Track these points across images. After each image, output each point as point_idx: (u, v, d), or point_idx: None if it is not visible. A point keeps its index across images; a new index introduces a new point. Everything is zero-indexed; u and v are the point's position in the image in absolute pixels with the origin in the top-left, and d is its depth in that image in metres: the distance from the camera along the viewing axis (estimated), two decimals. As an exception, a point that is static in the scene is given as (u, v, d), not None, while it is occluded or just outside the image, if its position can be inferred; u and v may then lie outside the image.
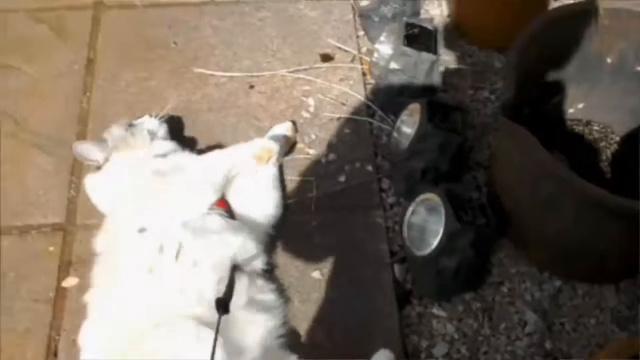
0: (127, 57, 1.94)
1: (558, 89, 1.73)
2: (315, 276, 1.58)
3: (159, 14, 2.05)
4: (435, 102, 1.69)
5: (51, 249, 1.60)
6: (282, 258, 1.60)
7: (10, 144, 1.77)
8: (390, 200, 1.72)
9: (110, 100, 1.86)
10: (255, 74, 1.94)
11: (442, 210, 1.46)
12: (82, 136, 1.77)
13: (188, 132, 1.81)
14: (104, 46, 1.97)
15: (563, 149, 1.64)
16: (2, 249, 1.59)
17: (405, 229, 1.58)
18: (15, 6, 2.04)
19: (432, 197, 1.52)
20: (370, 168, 1.76)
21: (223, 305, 1.26)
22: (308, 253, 1.61)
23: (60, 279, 1.55)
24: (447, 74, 1.94)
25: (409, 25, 1.81)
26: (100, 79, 1.83)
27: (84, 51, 1.95)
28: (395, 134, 1.76)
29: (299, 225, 1.65)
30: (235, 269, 1.39)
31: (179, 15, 2.05)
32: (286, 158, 1.76)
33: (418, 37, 1.81)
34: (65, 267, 1.57)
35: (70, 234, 1.63)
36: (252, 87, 1.92)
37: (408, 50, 1.77)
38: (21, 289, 1.54)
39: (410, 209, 1.58)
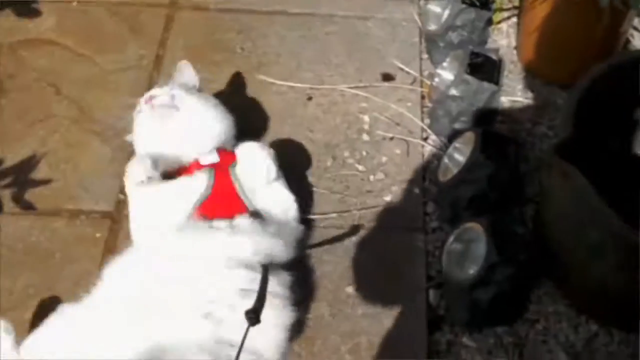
0: (194, 57, 1.98)
1: (623, 130, 1.69)
2: (348, 291, 1.58)
3: (230, 18, 2.10)
4: (491, 132, 1.68)
5: (98, 235, 1.66)
6: (318, 270, 1.61)
7: (73, 130, 1.84)
8: (433, 224, 1.71)
9: (173, 96, 1.91)
10: (315, 86, 1.97)
11: (484, 241, 1.45)
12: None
13: (243, 134, 1.85)
14: (174, 44, 2.03)
15: (623, 191, 1.60)
16: (53, 230, 1.66)
17: (444, 255, 1.57)
18: (97, -3, 2.14)
19: (475, 227, 1.51)
20: (417, 190, 1.76)
21: (254, 315, 1.26)
22: (344, 267, 1.62)
23: (102, 265, 1.59)
24: (507, 105, 1.93)
25: (474, 54, 1.81)
26: (166, 76, 1.89)
27: (154, 47, 2.02)
28: (446, 160, 1.75)
29: (338, 240, 1.66)
30: (267, 271, 1.38)
31: (249, 21, 2.10)
32: (334, 172, 1.78)
33: (481, 66, 1.80)
34: (109, 255, 1.61)
35: (117, 223, 1.68)
36: (310, 98, 1.95)
37: (469, 78, 1.77)
38: (64, 270, 1.59)
39: (453, 236, 1.57)
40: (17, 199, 1.71)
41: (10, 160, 1.78)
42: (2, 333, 1.35)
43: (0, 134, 1.83)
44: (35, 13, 2.06)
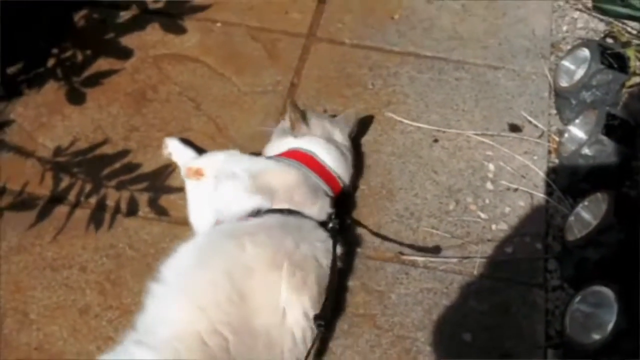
0: (326, 88, 2.06)
1: None
2: (465, 339, 1.58)
3: (363, 55, 2.15)
4: (625, 195, 1.66)
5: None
6: (434, 313, 1.62)
7: (208, 145, 1.92)
8: (554, 282, 1.69)
9: (303, 124, 1.97)
10: (441, 129, 1.99)
11: (614, 307, 1.43)
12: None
13: (366, 169, 1.89)
14: (308, 74, 2.10)
15: None
16: (183, 239, 1.72)
17: (568, 315, 1.55)
18: (239, 21, 2.22)
19: (605, 292, 1.49)
20: (539, 246, 1.75)
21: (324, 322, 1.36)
22: (462, 314, 1.63)
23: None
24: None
25: (611, 116, 1.80)
26: (299, 103, 1.95)
27: (290, 75, 2.09)
28: (572, 218, 1.73)
29: (457, 285, 1.67)
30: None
31: (381, 59, 2.14)
32: (456, 216, 1.79)
33: (617, 129, 1.79)
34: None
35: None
36: (436, 140, 1.97)
37: (605, 139, 1.75)
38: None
39: (578, 297, 1.55)
40: (152, 203, 1.79)
41: (148, 167, 1.87)
42: None
43: (140, 141, 1.92)
44: (181, 30, 2.17)
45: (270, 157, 1.74)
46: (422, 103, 2.05)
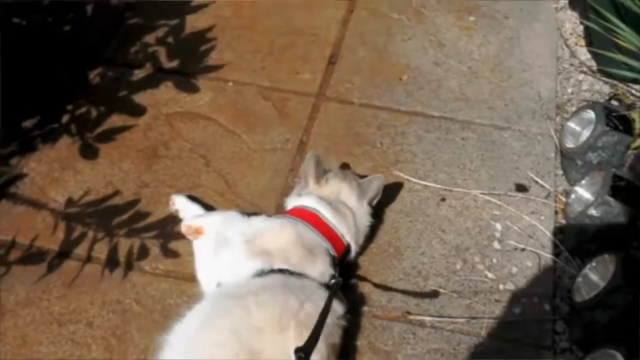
0: (335, 147, 2.09)
1: None
2: (473, 402, 1.56)
3: (371, 114, 2.19)
4: (632, 258, 1.65)
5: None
6: (443, 374, 1.61)
7: (218, 201, 1.94)
8: (563, 344, 1.68)
9: (311, 181, 1.99)
10: (449, 187, 2.01)
11: (624, 371, 1.42)
12: (281, 209, 1.89)
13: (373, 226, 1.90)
14: (318, 132, 2.13)
15: None
16: (190, 296, 1.74)
17: (577, 379, 1.53)
18: (251, 80, 2.27)
19: (614, 354, 1.47)
20: (547, 307, 1.74)
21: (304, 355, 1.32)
22: (469, 376, 1.61)
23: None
24: (644, 231, 1.90)
25: (617, 177, 1.81)
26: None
27: (299, 133, 2.12)
28: (579, 279, 1.73)
29: (465, 346, 1.66)
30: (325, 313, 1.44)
31: (389, 119, 2.18)
32: (463, 276, 1.79)
33: (623, 190, 1.80)
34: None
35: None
36: (443, 199, 1.98)
37: (612, 201, 1.76)
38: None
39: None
40: (163, 249, 1.82)
41: (156, 217, 1.90)
42: None
43: (150, 197, 1.95)
44: (194, 89, 2.22)
45: (268, 217, 1.75)
46: (429, 162, 2.07)
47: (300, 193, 1.78)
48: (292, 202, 1.79)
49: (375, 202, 1.84)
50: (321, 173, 1.79)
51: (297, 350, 1.32)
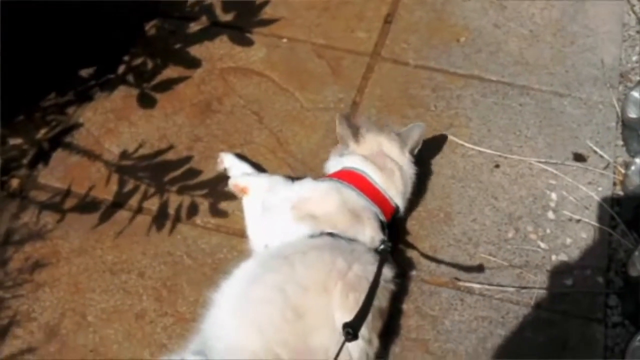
0: (388, 108, 2.06)
1: None
2: (519, 370, 1.55)
3: (427, 76, 2.15)
4: (694, 235, 1.60)
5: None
6: (490, 345, 1.60)
7: (270, 158, 1.94)
8: (615, 319, 1.65)
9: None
10: (503, 154, 1.96)
11: (679, 349, 1.38)
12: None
13: (424, 192, 1.87)
14: (371, 93, 2.10)
15: None
16: (240, 252, 1.75)
17: (628, 354, 1.50)
18: (305, 37, 2.25)
19: (669, 332, 1.44)
20: (600, 280, 1.71)
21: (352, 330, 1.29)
22: (517, 345, 1.60)
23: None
24: None
25: (681, 150, 1.75)
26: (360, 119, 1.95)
27: (352, 93, 2.10)
28: (636, 253, 1.68)
29: (513, 315, 1.64)
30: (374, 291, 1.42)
31: (444, 81, 2.13)
32: (515, 245, 1.76)
33: (688, 164, 1.74)
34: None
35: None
36: (497, 166, 1.94)
37: (674, 174, 1.70)
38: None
39: (640, 336, 1.50)
40: (212, 209, 1.82)
41: (207, 175, 1.91)
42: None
43: (203, 152, 1.96)
44: (248, 42, 2.21)
45: (314, 181, 1.72)
46: (484, 127, 2.03)
47: (343, 153, 1.76)
48: (335, 164, 1.76)
49: (416, 150, 1.80)
50: (356, 130, 1.75)
51: (345, 326, 1.29)
